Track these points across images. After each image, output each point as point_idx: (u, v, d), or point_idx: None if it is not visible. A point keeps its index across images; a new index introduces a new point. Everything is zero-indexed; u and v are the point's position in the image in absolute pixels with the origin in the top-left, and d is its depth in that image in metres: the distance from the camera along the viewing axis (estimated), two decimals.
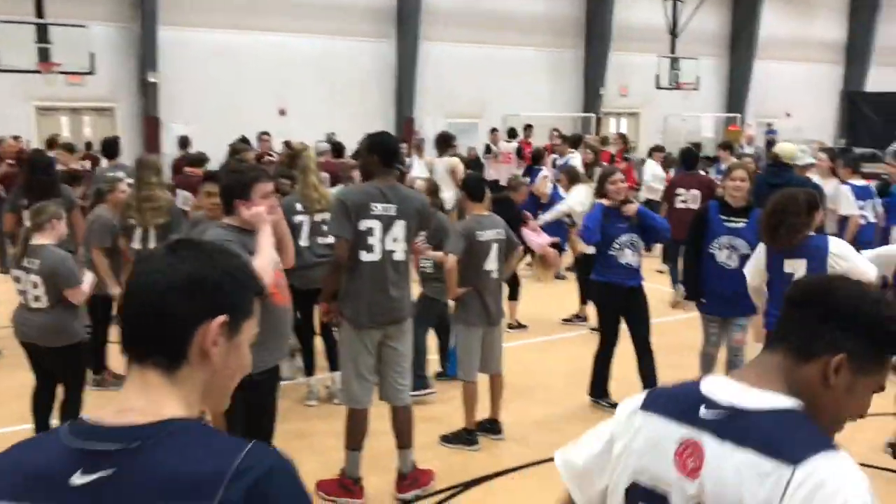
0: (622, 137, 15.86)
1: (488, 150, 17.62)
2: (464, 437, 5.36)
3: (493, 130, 18.61)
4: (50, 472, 1.22)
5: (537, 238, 8.01)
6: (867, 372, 1.55)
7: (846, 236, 7.36)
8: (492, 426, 5.57)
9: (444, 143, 11.96)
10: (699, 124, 26.12)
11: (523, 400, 6.27)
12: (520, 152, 16.25)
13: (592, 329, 7.64)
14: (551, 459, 5.24)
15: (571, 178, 8.78)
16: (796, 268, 4.68)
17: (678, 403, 1.64)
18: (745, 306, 5.73)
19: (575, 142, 12.99)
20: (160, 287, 1.30)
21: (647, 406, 1.72)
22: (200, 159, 9.53)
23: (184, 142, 13.81)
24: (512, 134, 18.08)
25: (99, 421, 1.26)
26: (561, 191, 9.28)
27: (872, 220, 8.29)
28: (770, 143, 21.65)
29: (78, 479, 1.20)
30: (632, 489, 1.66)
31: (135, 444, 1.21)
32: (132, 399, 1.30)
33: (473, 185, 5.54)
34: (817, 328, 1.55)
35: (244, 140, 13.18)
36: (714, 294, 5.71)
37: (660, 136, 24.29)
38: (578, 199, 8.31)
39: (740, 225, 5.66)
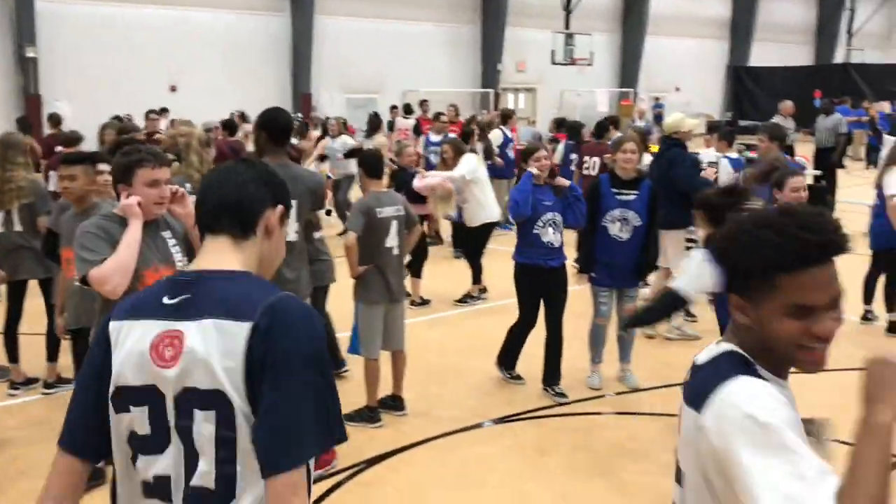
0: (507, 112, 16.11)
1: (390, 126, 17.56)
2: (366, 415, 5.36)
3: (394, 108, 18.54)
4: (151, 299, 1.72)
5: (422, 182, 8.30)
6: (764, 298, 1.58)
7: None
8: (395, 403, 5.59)
9: (374, 125, 12.36)
10: (594, 99, 26.70)
11: (426, 376, 6.32)
12: (417, 129, 16.26)
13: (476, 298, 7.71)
14: (454, 432, 5.32)
15: (457, 149, 8.79)
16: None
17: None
18: (636, 278, 5.93)
19: (505, 118, 13.07)
20: (241, 179, 1.78)
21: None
22: (74, 138, 9.07)
23: (55, 119, 12.92)
24: (408, 110, 18.06)
25: (184, 269, 1.82)
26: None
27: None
28: (658, 117, 22.33)
29: (167, 300, 1.68)
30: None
31: (205, 279, 1.70)
32: (207, 257, 1.77)
33: (371, 162, 5.49)
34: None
35: (119, 119, 12.62)
36: (606, 266, 5.87)
37: (556, 112, 24.73)
38: (468, 168, 8.44)
39: (631, 197, 5.82)
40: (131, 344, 1.67)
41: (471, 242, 8.77)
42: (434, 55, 24.81)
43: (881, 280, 7.51)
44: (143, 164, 3.37)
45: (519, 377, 6.16)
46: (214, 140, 10.14)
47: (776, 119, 13.28)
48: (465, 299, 8.58)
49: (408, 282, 7.17)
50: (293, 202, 4.28)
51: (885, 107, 19.65)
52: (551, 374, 5.94)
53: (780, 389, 1.61)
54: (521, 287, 5.93)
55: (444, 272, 9.64)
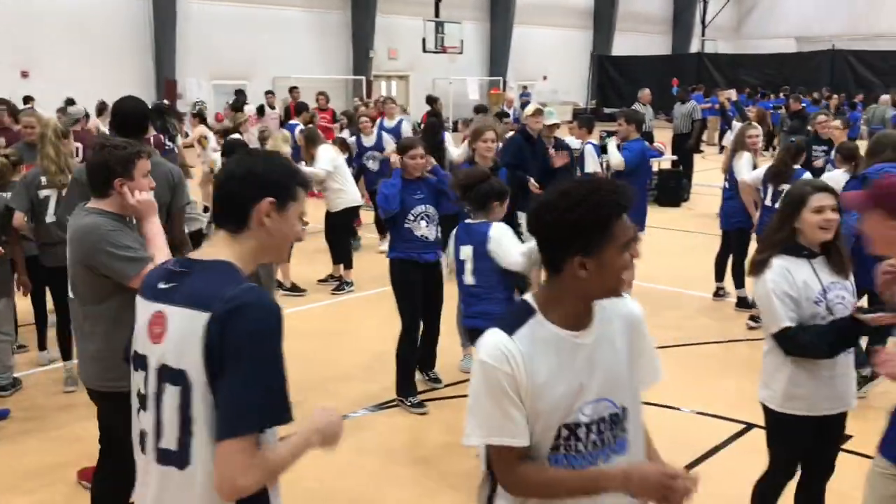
0: (390, 101, 16.07)
1: (261, 111, 17.21)
2: None
3: (269, 93, 18.15)
4: (152, 282, 2.00)
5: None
6: (604, 246, 1.90)
7: None
8: None
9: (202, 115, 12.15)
10: (465, 87, 27.06)
11: (290, 368, 6.28)
12: (288, 114, 16.06)
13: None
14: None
15: (310, 140, 8.74)
16: (467, 254, 4.78)
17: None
18: None
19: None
20: (235, 174, 1.98)
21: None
22: None
23: None
24: (262, 111, 17.69)
25: (186, 256, 2.07)
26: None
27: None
28: (524, 106, 22.85)
29: (160, 286, 1.96)
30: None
31: (190, 269, 1.94)
32: (206, 248, 2.02)
33: (233, 150, 5.38)
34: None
35: None
36: None
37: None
38: (327, 159, 8.45)
39: None
40: (140, 318, 2.00)
41: (334, 228, 8.75)
42: (304, 41, 24.45)
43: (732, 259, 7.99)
44: (142, 156, 3.36)
45: (421, 403, 5.68)
46: (84, 131, 9.66)
47: (636, 106, 13.88)
48: (342, 287, 8.57)
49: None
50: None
51: (733, 94, 20.85)
52: (427, 360, 6.01)
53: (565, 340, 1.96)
54: (397, 284, 5.65)
55: (307, 260, 9.59)
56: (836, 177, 6.85)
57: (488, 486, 2.12)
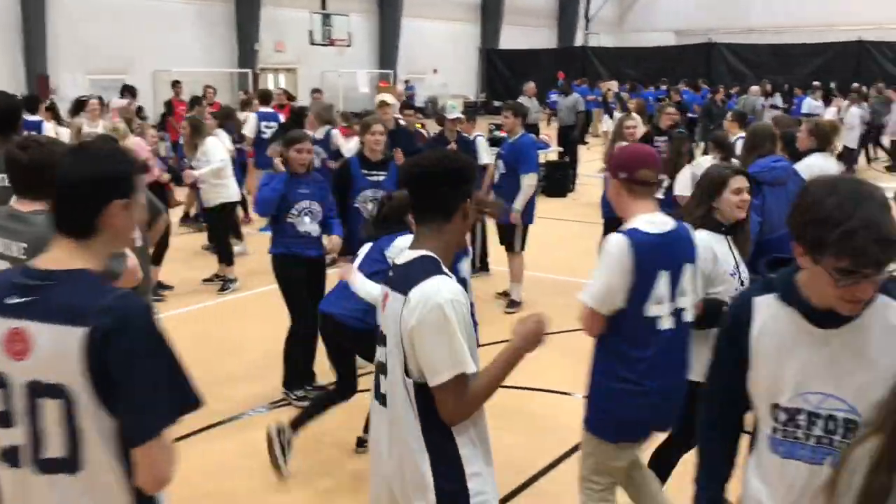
0: (286, 93, 15.77)
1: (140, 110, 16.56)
2: None
3: (126, 87, 17.32)
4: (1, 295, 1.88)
5: (192, 176, 8.15)
6: (459, 208, 2.42)
7: (483, 184, 8.01)
8: None
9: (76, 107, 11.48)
10: (355, 80, 26.87)
11: None
12: (171, 109, 15.54)
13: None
14: (209, 427, 5.14)
15: (196, 130, 8.46)
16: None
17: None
18: None
19: (264, 97, 12.57)
20: (66, 183, 1.90)
21: None
22: None
23: None
24: (131, 91, 16.88)
25: (33, 265, 1.92)
26: None
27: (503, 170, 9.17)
28: (411, 99, 22.88)
29: (10, 301, 1.86)
30: None
31: (50, 282, 1.86)
32: (54, 254, 1.92)
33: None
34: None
35: None
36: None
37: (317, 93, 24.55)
38: (221, 151, 8.29)
39: (381, 177, 5.95)
40: None
41: (211, 224, 8.51)
42: (187, 34, 23.68)
43: None
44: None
45: (315, 389, 5.63)
46: None
47: (521, 99, 14.09)
48: (227, 286, 8.35)
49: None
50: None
51: (614, 86, 21.51)
52: (307, 366, 5.84)
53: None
54: (283, 280, 5.56)
55: (192, 260, 9.36)
56: (705, 164, 7.14)
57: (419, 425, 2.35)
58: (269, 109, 11.81)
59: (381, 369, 2.47)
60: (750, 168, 5.43)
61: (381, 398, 2.47)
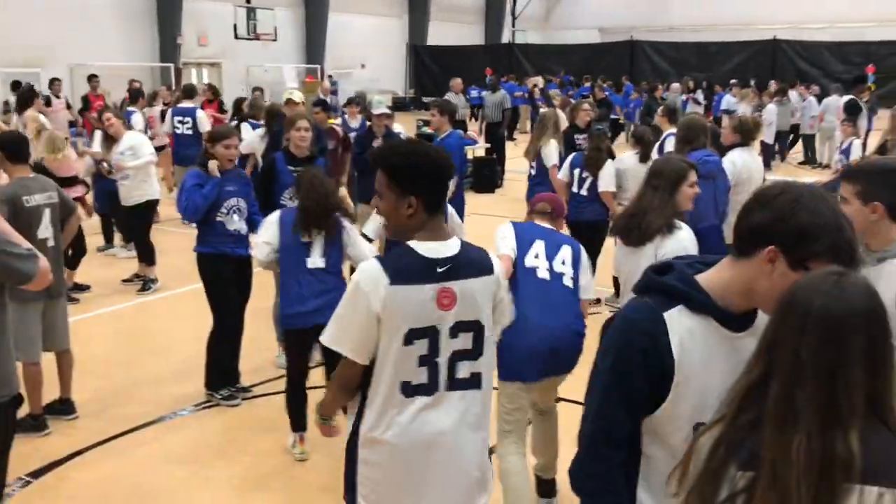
0: (212, 88, 15.45)
1: (48, 102, 15.97)
2: (29, 424, 4.89)
3: (55, 81, 16.81)
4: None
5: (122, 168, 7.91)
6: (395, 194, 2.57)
7: None
8: (63, 406, 5.16)
9: (25, 99, 11.23)
10: (282, 75, 26.49)
11: (95, 374, 5.92)
12: (87, 103, 15.09)
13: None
14: (131, 431, 5.05)
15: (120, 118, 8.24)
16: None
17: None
18: None
19: (188, 92, 12.19)
20: None
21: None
22: None
23: None
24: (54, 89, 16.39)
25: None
26: None
27: None
28: (334, 94, 22.69)
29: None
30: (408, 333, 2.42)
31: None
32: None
33: (12, 143, 4.92)
34: None
35: None
36: None
37: (242, 88, 24.14)
38: (146, 147, 8.08)
39: None
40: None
41: (134, 225, 8.26)
42: (105, 26, 22.92)
43: None
44: None
45: (239, 391, 5.57)
46: None
47: (448, 96, 14.12)
48: (147, 286, 8.12)
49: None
50: None
51: (539, 81, 21.74)
52: (231, 367, 5.68)
53: None
54: (210, 280, 5.41)
55: (111, 261, 9.11)
56: (626, 159, 7.29)
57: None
58: (189, 105, 11.53)
59: (466, 356, 2.52)
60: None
61: (468, 382, 2.55)
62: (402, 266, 2.42)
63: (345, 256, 4.67)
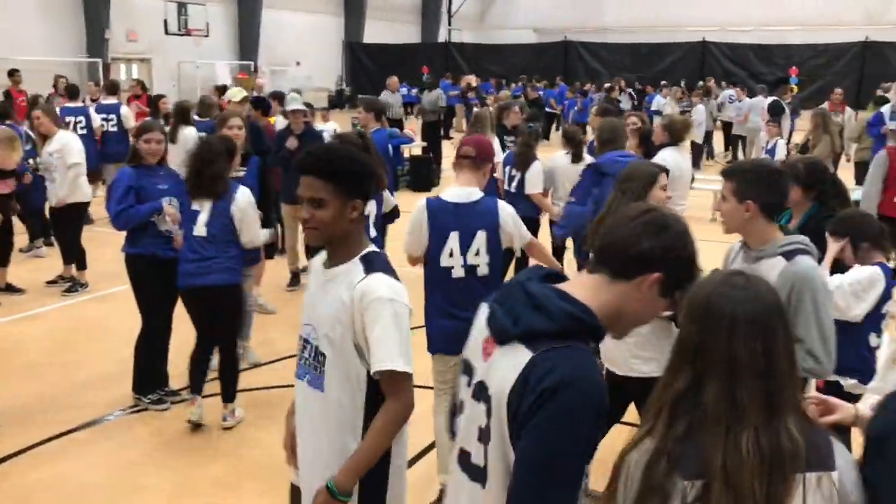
0: (140, 84, 15.11)
1: None
2: None
3: None
4: None
5: None
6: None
7: None
8: None
9: None
10: (214, 71, 26.04)
11: (22, 377, 5.74)
12: (9, 98, 14.58)
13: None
14: (56, 437, 4.92)
15: (52, 116, 7.90)
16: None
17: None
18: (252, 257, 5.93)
19: (111, 88, 11.79)
20: None
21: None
22: None
23: None
24: None
25: None
26: None
27: None
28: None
29: None
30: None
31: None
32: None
33: None
34: None
35: None
36: None
37: (174, 84, 23.69)
38: (77, 146, 7.79)
39: (241, 173, 5.80)
40: None
41: (64, 225, 8.00)
42: (27, 18, 22.19)
43: None
44: None
45: (168, 394, 5.46)
46: None
47: (384, 94, 14.09)
48: (74, 288, 7.90)
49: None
50: None
51: (473, 80, 21.85)
52: (161, 371, 5.56)
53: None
54: (139, 282, 5.30)
55: (36, 263, 8.85)
56: (558, 159, 7.39)
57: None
58: (112, 101, 11.25)
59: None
60: (597, 160, 5.68)
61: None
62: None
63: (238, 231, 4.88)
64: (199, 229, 4.82)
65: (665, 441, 1.61)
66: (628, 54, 31.51)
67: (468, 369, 1.86)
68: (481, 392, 1.74)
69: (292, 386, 2.61)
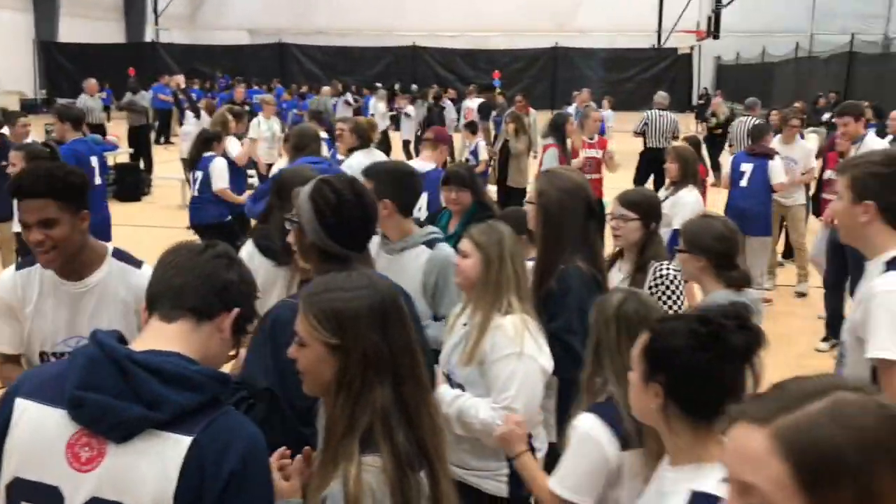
0: None
1: None
2: None
3: None
4: None
5: None
6: None
7: None
8: None
9: None
10: None
11: None
12: None
13: None
14: None
15: None
16: None
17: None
18: None
19: None
20: None
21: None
22: None
23: None
24: None
25: None
26: None
27: None
28: None
29: None
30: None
31: None
32: None
33: None
34: None
35: None
36: None
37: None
38: None
39: None
40: None
41: None
42: None
43: None
44: None
45: None
46: None
47: (82, 98, 13.09)
48: None
49: None
50: None
51: (181, 81, 20.99)
52: None
53: None
54: None
55: None
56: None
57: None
58: None
59: None
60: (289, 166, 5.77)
61: None
62: None
63: None
64: None
65: (326, 453, 1.65)
66: (342, 57, 32.01)
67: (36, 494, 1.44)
68: None
69: None
